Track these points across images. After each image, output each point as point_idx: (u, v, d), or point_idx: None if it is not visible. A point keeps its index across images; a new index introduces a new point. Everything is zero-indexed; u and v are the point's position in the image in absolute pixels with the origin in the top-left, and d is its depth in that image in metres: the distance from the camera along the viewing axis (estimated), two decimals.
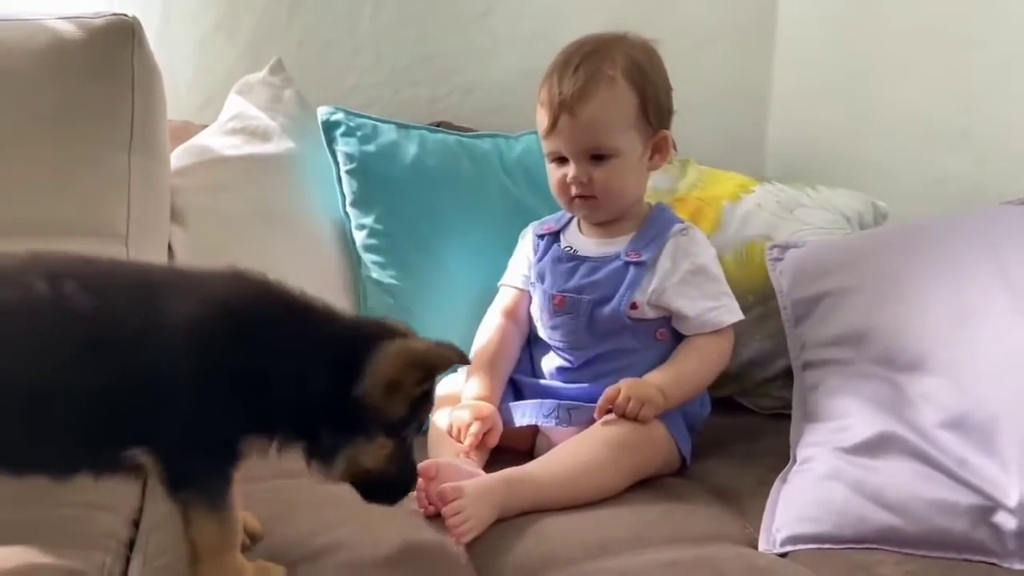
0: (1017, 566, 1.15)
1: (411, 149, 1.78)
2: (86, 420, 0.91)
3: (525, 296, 1.58)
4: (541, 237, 1.60)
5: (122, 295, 0.93)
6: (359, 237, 1.73)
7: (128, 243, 1.55)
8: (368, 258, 1.71)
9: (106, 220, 1.53)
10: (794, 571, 1.14)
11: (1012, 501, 1.14)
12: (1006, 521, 1.15)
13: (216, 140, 1.77)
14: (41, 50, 1.50)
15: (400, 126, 1.82)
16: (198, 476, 0.94)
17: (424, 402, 1.04)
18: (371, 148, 1.76)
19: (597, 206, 1.48)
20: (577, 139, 1.43)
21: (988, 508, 1.17)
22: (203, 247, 1.66)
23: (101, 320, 0.89)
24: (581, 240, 1.56)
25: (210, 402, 0.91)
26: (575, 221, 1.58)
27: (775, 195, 1.86)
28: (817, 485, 1.27)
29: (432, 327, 1.22)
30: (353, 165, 1.74)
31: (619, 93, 1.42)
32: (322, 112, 1.78)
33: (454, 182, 1.78)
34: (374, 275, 1.70)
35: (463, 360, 1.08)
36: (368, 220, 1.72)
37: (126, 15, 1.56)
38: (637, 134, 1.45)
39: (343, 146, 1.75)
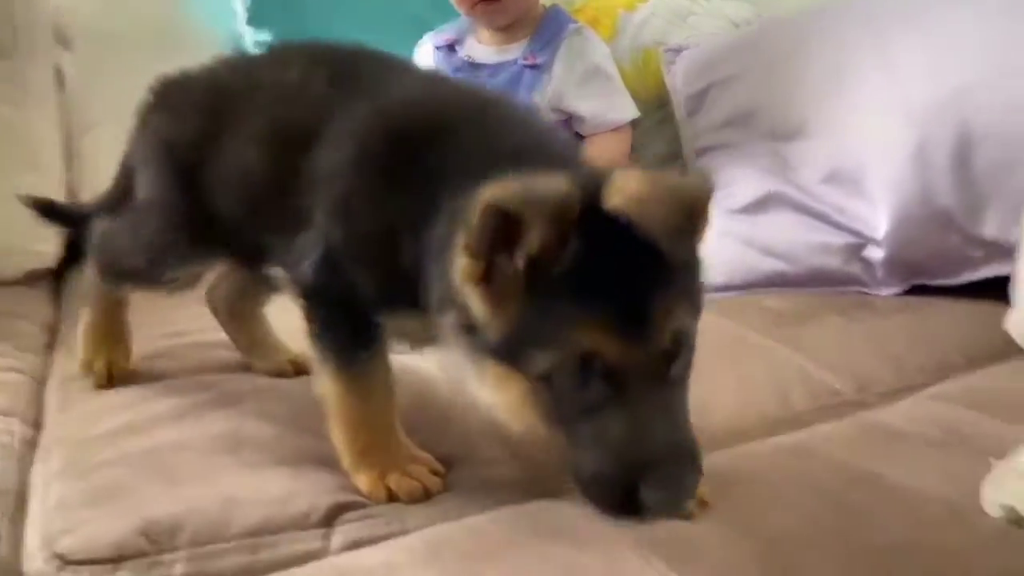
0: (883, 292, 1.30)
1: None
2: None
3: None
4: (439, 48, 1.61)
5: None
6: None
7: (15, 57, 1.50)
8: None
9: None
10: None
11: (880, 234, 1.27)
12: (875, 253, 1.29)
13: None
14: None
15: None
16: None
17: None
18: None
19: (502, 8, 1.49)
20: None
21: (860, 245, 1.31)
22: (97, 67, 1.62)
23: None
24: (479, 49, 1.58)
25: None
26: (473, 30, 1.60)
27: (668, 4, 1.92)
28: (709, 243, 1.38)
29: None
30: None
31: None
32: None
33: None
34: None
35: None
36: (265, 37, 1.70)
37: None
38: None
39: None
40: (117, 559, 0.71)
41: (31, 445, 0.95)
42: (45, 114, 1.56)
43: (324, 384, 0.82)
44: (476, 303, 0.65)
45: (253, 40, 1.71)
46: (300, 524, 0.77)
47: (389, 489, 0.81)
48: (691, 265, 0.66)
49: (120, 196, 1.06)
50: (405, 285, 0.73)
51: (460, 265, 0.64)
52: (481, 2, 1.49)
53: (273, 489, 0.80)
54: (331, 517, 0.78)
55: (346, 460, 0.83)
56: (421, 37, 1.68)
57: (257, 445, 0.87)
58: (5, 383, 1.08)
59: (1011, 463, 0.73)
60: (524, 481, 0.84)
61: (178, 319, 1.20)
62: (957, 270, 1.25)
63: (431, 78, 0.99)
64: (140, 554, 0.72)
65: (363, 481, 0.81)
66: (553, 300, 0.62)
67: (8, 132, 1.52)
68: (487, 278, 0.64)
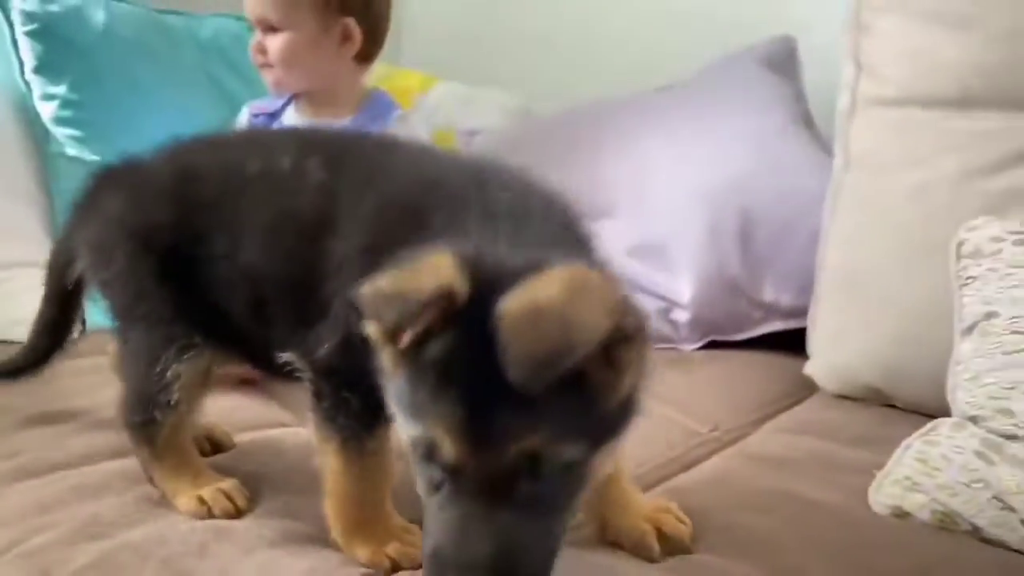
0: (687, 347, 1.56)
1: (99, 16, 1.64)
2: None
3: None
4: (256, 116, 1.61)
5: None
6: (47, 109, 1.56)
7: None
8: (61, 132, 1.56)
9: None
10: None
11: (685, 299, 1.54)
12: (680, 315, 1.55)
13: None
14: None
15: None
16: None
17: None
18: (55, 8, 1.58)
19: (277, 76, 1.51)
20: (251, 7, 1.47)
21: (668, 308, 1.56)
22: None
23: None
24: (299, 121, 1.61)
25: None
26: (293, 103, 1.62)
27: (453, 89, 2.09)
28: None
29: None
30: (35, 26, 1.56)
31: None
32: None
33: (152, 56, 1.69)
34: (69, 151, 1.57)
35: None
36: (58, 89, 1.56)
37: None
38: (310, 13, 1.47)
39: (20, 3, 1.55)
40: None
41: None
42: None
43: (326, 461, 0.83)
44: (385, 360, 0.68)
45: (41, 92, 1.56)
46: None
47: (391, 559, 0.83)
48: (584, 387, 0.63)
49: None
50: None
51: (371, 329, 0.67)
52: (262, 66, 1.51)
53: (297, 567, 0.79)
54: None
55: (337, 532, 0.84)
56: (226, 101, 1.66)
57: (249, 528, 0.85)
58: None
59: (887, 474, 0.97)
60: None
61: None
62: (744, 328, 1.55)
63: (420, 153, 0.96)
64: None
65: (362, 553, 0.83)
66: (421, 382, 0.65)
67: None
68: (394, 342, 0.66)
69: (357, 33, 1.49)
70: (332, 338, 0.80)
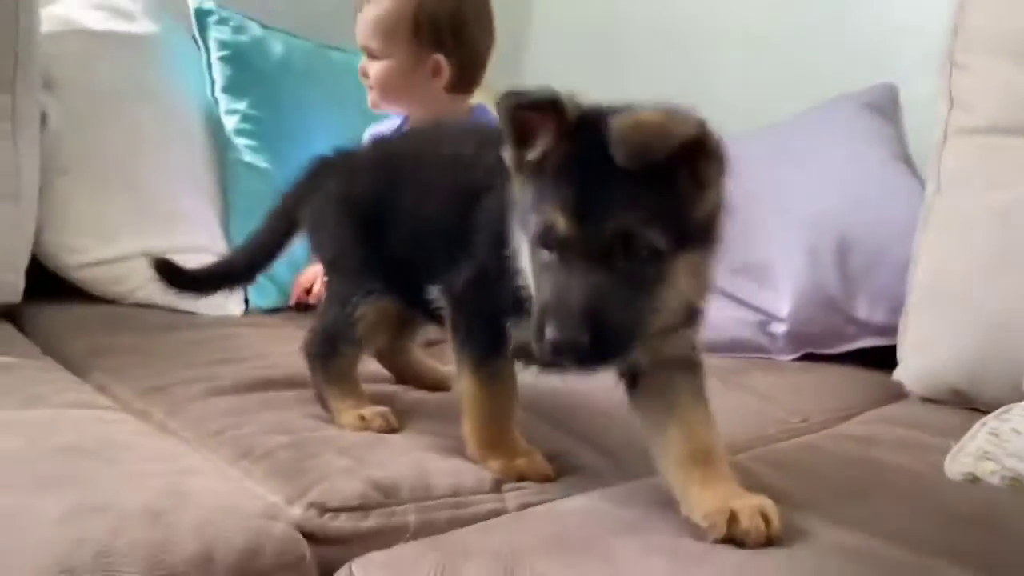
0: (783, 358, 1.68)
1: (277, 47, 1.93)
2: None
3: None
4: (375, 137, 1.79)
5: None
6: (230, 121, 1.83)
7: (14, 91, 1.53)
8: (240, 142, 1.83)
9: None
10: None
11: (783, 313, 1.66)
12: (778, 328, 1.67)
13: (77, 12, 1.76)
14: None
15: (263, 26, 1.95)
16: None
17: None
18: (244, 38, 1.87)
19: (374, 98, 1.70)
20: (359, 34, 1.67)
21: (766, 322, 1.69)
22: (76, 116, 1.67)
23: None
24: None
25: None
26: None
27: None
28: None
29: None
30: (227, 52, 1.84)
31: (397, 4, 1.63)
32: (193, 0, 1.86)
33: (318, 82, 1.96)
34: (246, 158, 1.83)
35: None
36: (241, 106, 1.84)
37: None
38: (405, 46, 1.65)
39: (216, 33, 1.85)
40: (365, 507, 0.84)
41: None
42: (31, 151, 1.57)
43: (462, 384, 1.01)
44: (516, 188, 0.88)
45: (227, 107, 1.83)
46: (479, 490, 0.95)
47: (519, 470, 1.00)
48: (672, 190, 0.81)
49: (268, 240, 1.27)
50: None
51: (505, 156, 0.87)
52: (368, 87, 1.70)
53: (444, 466, 0.97)
54: (497, 486, 0.96)
55: (472, 448, 1.01)
56: (369, 118, 1.87)
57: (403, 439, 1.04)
58: None
59: (962, 447, 1.08)
60: (607, 468, 1.07)
61: None
62: (838, 342, 1.66)
63: None
64: (379, 504, 0.86)
65: (495, 465, 1.00)
66: (543, 185, 0.83)
67: None
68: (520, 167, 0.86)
69: (446, 68, 1.65)
70: (468, 271, 1.00)
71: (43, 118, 1.62)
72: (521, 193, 0.88)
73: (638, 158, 0.78)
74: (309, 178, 1.23)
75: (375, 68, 1.66)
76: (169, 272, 1.26)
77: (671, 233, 0.81)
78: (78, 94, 1.68)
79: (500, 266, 0.95)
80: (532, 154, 0.84)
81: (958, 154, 1.41)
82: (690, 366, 0.95)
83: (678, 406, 0.92)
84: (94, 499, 0.75)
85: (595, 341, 0.78)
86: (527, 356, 0.98)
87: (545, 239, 0.83)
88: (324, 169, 1.23)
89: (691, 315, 0.92)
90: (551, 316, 0.80)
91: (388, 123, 1.78)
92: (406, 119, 1.75)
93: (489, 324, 0.99)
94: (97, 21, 1.76)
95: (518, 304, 0.93)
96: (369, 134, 1.79)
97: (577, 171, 0.82)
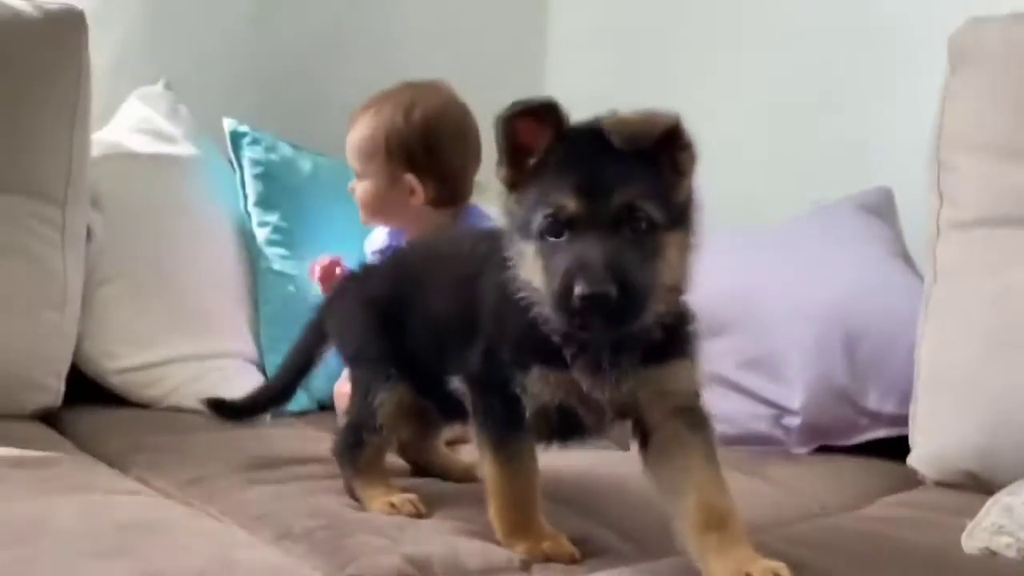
0: (798, 450, 1.71)
1: (307, 165, 2.06)
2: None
3: None
4: (390, 233, 1.87)
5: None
6: (262, 233, 1.95)
7: (65, 207, 1.65)
8: (271, 251, 1.94)
9: (48, 185, 1.64)
10: None
11: (796, 406, 1.71)
12: (792, 421, 1.72)
13: (124, 136, 1.90)
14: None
15: (293, 146, 2.09)
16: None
17: None
18: (275, 157, 2.01)
19: (362, 215, 1.81)
20: (347, 156, 1.80)
21: (779, 415, 1.73)
22: (118, 230, 1.79)
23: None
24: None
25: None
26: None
27: None
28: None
29: None
30: (260, 170, 1.98)
31: (373, 125, 1.74)
32: (228, 123, 2.01)
33: (344, 198, 2.06)
34: (276, 266, 1.93)
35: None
36: (272, 218, 1.95)
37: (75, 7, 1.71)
38: (381, 167, 1.75)
39: (250, 153, 1.98)
40: None
41: None
42: (76, 262, 1.67)
43: (484, 468, 1.06)
44: (505, 199, 0.98)
45: (259, 220, 1.95)
46: (509, 567, 0.98)
47: (545, 553, 1.03)
48: (659, 172, 0.94)
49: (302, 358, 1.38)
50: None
51: (498, 175, 0.98)
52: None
53: (474, 546, 1.01)
54: (526, 566, 1.00)
55: (500, 532, 1.05)
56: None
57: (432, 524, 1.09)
58: None
59: (977, 523, 1.11)
60: (631, 552, 1.10)
61: None
62: (851, 434, 1.70)
63: None
64: None
65: (522, 548, 1.03)
66: (547, 178, 0.94)
67: (43, 271, 1.63)
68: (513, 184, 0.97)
69: (419, 188, 1.73)
70: (480, 344, 1.06)
71: (88, 232, 1.74)
72: (519, 202, 0.97)
73: (631, 140, 0.92)
74: (334, 291, 1.37)
75: (359, 188, 1.79)
76: (219, 407, 1.40)
77: (663, 210, 0.93)
78: (121, 210, 1.81)
79: (507, 309, 1.01)
80: (533, 158, 0.96)
81: (952, 246, 1.50)
82: (699, 422, 1.01)
83: (691, 469, 0.97)
84: (151, 567, 0.80)
85: (621, 294, 0.87)
86: (547, 429, 1.05)
87: (555, 224, 0.92)
88: (346, 282, 1.37)
89: (682, 313, 1.02)
90: (579, 274, 0.88)
91: (378, 233, 1.88)
92: (395, 231, 1.84)
93: (505, 403, 1.03)
94: (142, 144, 1.90)
95: (533, 344, 0.99)
96: (366, 242, 1.89)
97: (577, 161, 0.94)
